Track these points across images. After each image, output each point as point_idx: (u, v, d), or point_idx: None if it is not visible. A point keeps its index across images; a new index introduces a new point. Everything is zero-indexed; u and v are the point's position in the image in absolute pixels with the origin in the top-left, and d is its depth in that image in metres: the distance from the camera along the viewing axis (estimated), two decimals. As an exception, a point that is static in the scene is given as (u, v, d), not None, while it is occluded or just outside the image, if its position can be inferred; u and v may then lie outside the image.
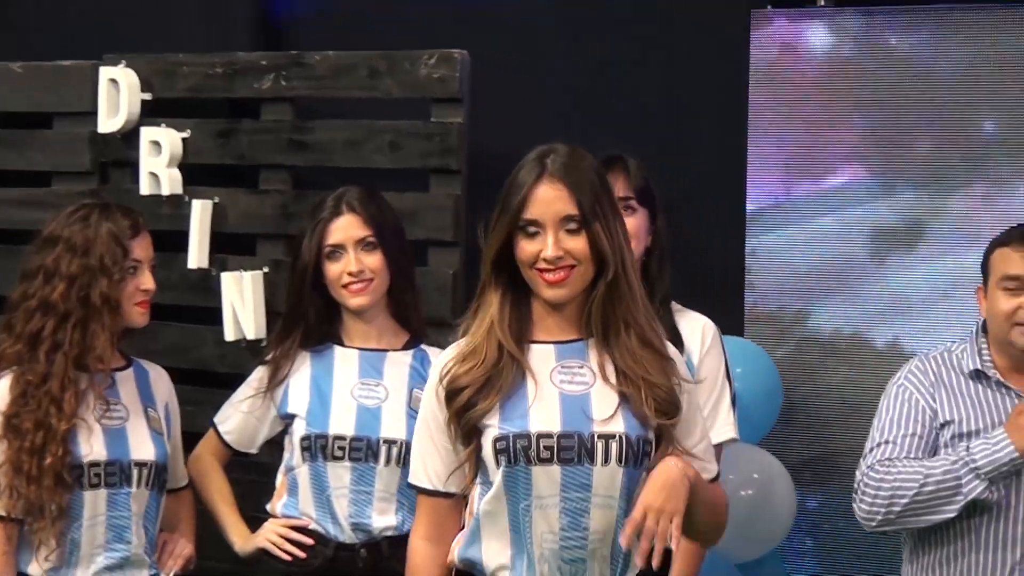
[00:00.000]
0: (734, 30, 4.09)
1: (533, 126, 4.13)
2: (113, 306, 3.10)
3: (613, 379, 2.53)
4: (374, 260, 3.24)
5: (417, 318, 3.37)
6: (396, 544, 3.19)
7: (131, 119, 4.06)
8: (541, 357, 2.57)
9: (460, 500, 2.60)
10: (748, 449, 3.80)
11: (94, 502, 3.08)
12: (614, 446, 2.50)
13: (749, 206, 4.10)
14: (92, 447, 3.08)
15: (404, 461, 3.20)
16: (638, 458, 2.50)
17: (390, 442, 3.22)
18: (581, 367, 2.56)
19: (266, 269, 3.90)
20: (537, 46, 4.28)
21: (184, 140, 4.01)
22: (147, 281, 3.17)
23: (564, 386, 2.55)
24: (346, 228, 3.24)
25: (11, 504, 3.03)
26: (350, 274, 3.22)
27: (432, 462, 2.59)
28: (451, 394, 2.54)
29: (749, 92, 4.07)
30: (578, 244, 2.50)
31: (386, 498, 3.22)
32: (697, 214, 4.01)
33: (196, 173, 4.03)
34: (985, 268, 3.11)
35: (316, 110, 4.05)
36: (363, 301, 3.25)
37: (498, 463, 2.50)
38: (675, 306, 3.28)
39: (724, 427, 3.22)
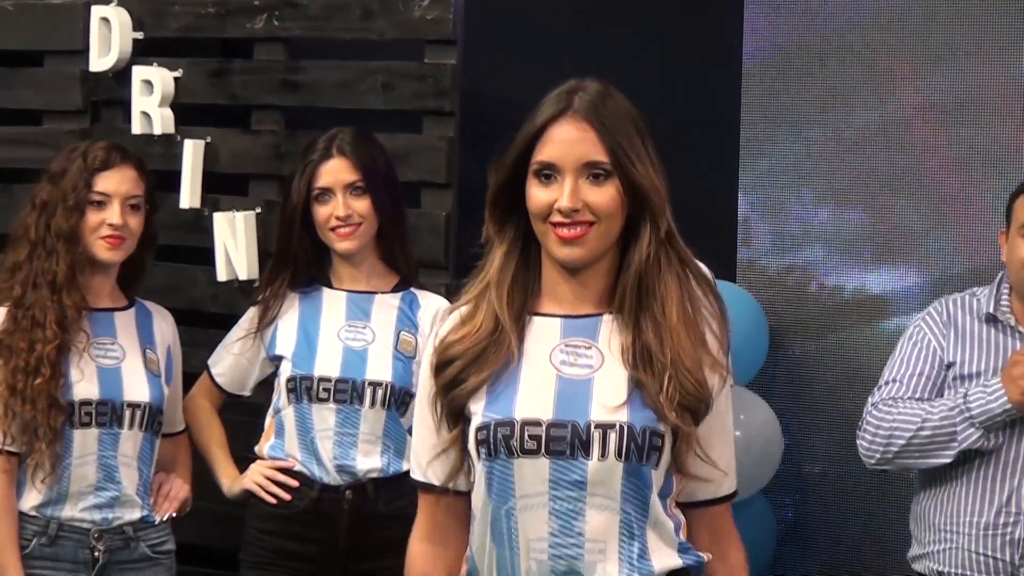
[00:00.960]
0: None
1: (527, 67, 4.16)
2: (68, 236, 3.14)
3: (629, 362, 2.17)
4: (362, 205, 3.25)
5: (407, 261, 3.39)
6: (381, 486, 3.23)
7: (123, 58, 4.04)
8: (543, 332, 2.22)
9: (459, 496, 2.25)
10: (737, 391, 3.84)
11: (83, 441, 3.11)
12: (613, 437, 2.14)
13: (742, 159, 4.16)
14: (84, 385, 3.12)
15: (389, 403, 3.24)
16: (643, 453, 2.16)
17: (375, 384, 3.24)
18: (588, 347, 2.21)
19: (258, 210, 3.90)
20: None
21: (176, 79, 4.00)
22: (113, 215, 3.17)
23: (564, 368, 2.20)
24: (335, 172, 3.25)
25: (6, 424, 3.08)
26: (338, 218, 3.24)
27: (420, 447, 2.27)
28: (441, 365, 2.22)
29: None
30: (601, 197, 2.14)
31: (371, 440, 3.24)
32: (692, 172, 4.05)
33: (188, 113, 4.02)
34: (1008, 213, 3.12)
35: (309, 50, 4.03)
36: (350, 245, 3.26)
37: (479, 455, 2.18)
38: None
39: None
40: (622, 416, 2.15)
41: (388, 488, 3.24)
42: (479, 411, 2.18)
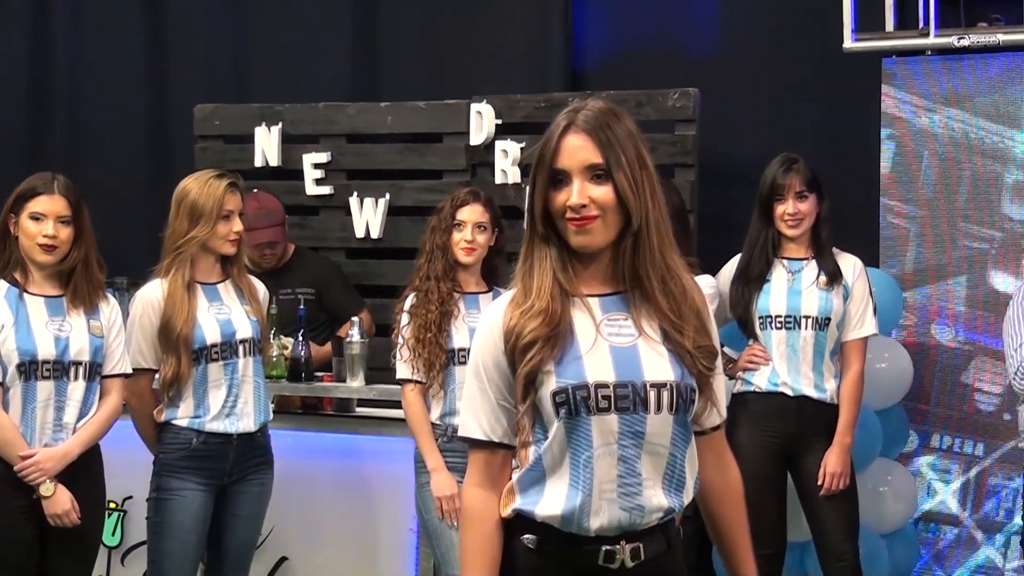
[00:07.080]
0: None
1: (740, 135, 5.92)
2: (442, 247, 4.58)
3: (655, 334, 2.46)
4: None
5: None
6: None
7: (489, 136, 5.93)
8: (589, 310, 2.48)
9: (509, 449, 2.51)
10: (882, 338, 5.21)
11: None
12: (665, 394, 2.43)
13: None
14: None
15: None
16: (687, 405, 2.46)
17: None
18: (625, 319, 2.48)
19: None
20: (742, 81, 6.00)
21: (521, 148, 5.86)
22: (467, 234, 4.51)
23: (612, 338, 2.46)
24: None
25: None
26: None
27: (487, 414, 2.49)
28: (524, 350, 2.44)
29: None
30: (602, 194, 2.42)
31: None
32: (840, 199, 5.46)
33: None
34: None
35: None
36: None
37: (558, 415, 2.41)
38: (835, 250, 4.82)
39: (870, 326, 4.76)
40: (669, 376, 2.45)
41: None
42: (551, 376, 2.43)
